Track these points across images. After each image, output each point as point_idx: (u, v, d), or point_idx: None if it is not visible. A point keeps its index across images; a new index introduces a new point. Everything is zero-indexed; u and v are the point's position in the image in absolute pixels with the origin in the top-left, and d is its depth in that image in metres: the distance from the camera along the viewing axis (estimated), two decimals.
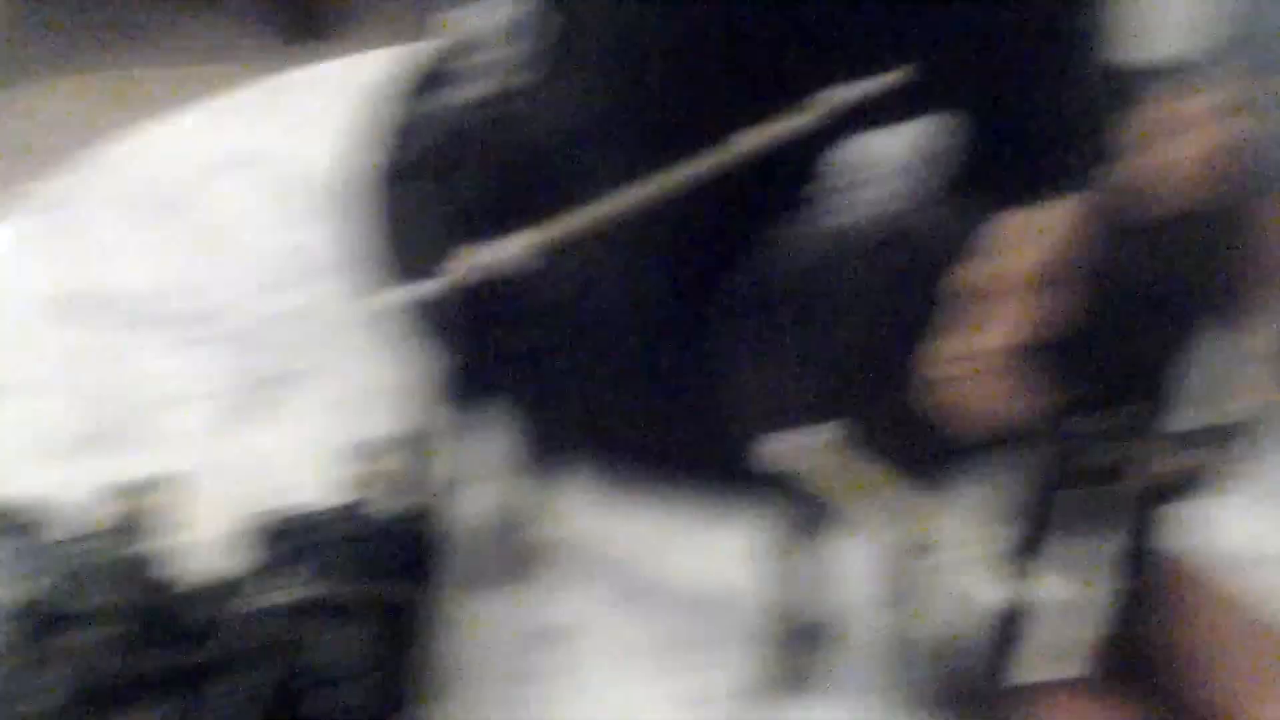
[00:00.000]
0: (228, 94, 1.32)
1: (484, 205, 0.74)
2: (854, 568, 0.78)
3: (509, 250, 0.72)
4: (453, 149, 0.74)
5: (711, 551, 0.86)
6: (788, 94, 0.70)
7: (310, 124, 1.24)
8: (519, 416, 0.82)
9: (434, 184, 0.75)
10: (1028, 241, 0.58)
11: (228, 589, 0.77)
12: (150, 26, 2.61)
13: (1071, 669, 0.69)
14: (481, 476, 0.86)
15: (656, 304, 0.96)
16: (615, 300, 0.96)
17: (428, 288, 0.73)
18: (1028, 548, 0.64)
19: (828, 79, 0.70)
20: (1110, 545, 0.64)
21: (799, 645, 0.78)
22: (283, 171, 1.20)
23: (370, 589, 0.76)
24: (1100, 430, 0.59)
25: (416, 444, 0.83)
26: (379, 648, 0.75)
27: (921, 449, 0.68)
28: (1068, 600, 0.58)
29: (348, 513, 0.80)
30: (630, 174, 0.73)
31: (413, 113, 0.74)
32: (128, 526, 0.79)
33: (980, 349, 0.59)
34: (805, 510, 0.72)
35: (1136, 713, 0.67)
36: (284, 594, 0.76)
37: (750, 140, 0.70)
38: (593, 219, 0.72)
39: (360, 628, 0.75)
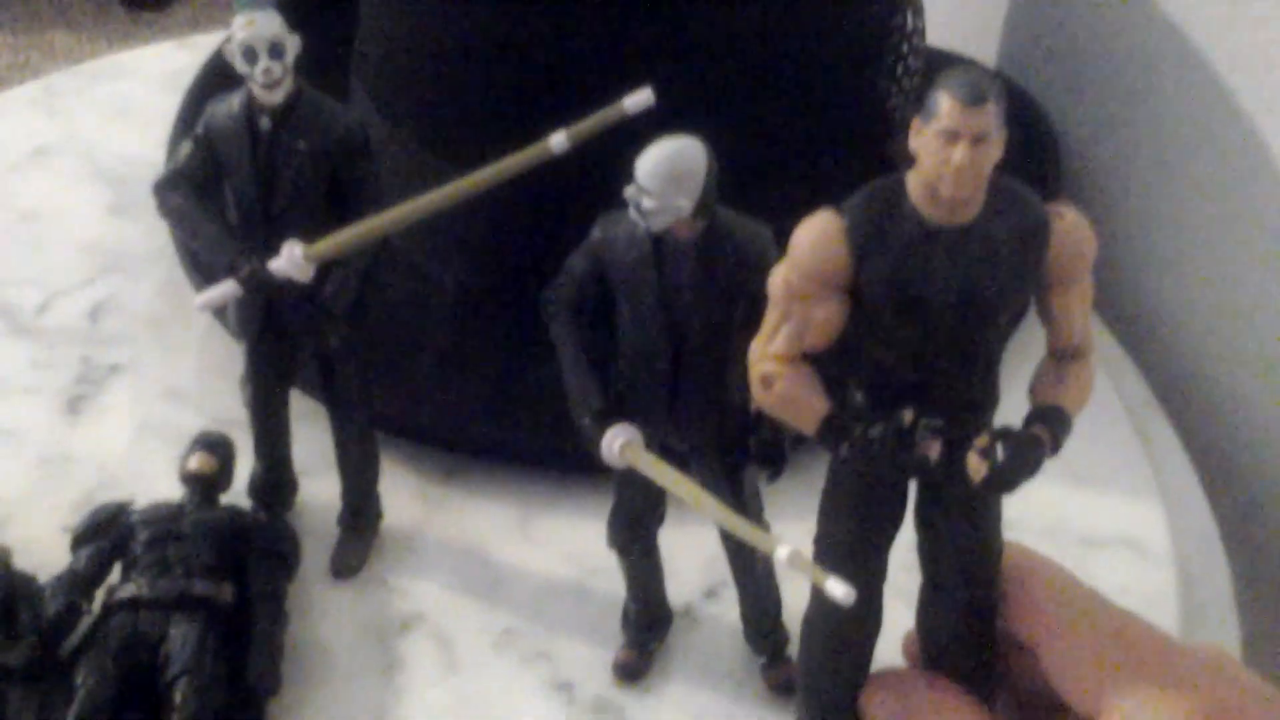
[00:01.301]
0: (69, 66, 1.30)
1: (280, 206, 0.74)
2: (701, 551, 0.80)
3: (307, 253, 0.72)
4: (242, 153, 0.74)
5: (558, 540, 0.87)
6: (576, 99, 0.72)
7: (122, 113, 1.23)
8: (339, 412, 0.83)
9: (228, 186, 0.75)
10: (799, 249, 0.59)
11: (69, 585, 0.77)
12: None
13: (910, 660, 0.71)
14: (320, 468, 0.86)
15: (484, 294, 0.98)
16: (445, 293, 0.98)
17: (231, 287, 0.73)
18: (847, 543, 0.65)
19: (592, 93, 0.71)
20: (936, 535, 0.65)
21: (650, 632, 0.80)
22: (94, 161, 1.18)
23: (212, 584, 0.77)
24: (908, 430, 0.60)
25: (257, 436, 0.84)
26: (224, 642, 0.75)
27: (737, 444, 0.70)
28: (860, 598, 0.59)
29: (185, 507, 0.80)
30: (429, 174, 0.73)
31: (205, 110, 0.74)
32: None
33: (770, 352, 0.61)
34: (639, 499, 0.73)
35: (977, 702, 0.68)
36: (128, 589, 0.76)
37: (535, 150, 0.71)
38: (397, 219, 0.72)
39: (205, 622, 0.75)
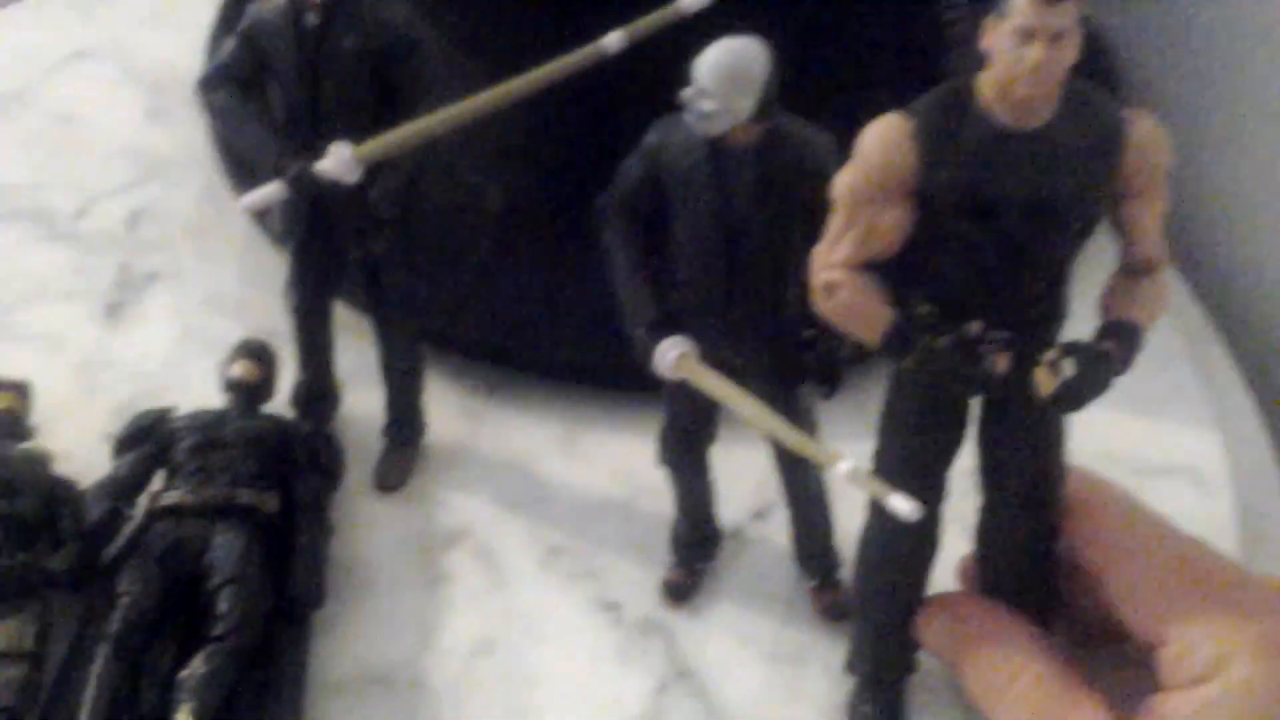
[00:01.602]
0: None
1: (327, 107, 0.72)
2: (751, 472, 0.79)
3: (355, 153, 0.70)
4: (287, 51, 0.72)
5: (604, 456, 0.86)
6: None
7: (159, 16, 1.20)
8: (385, 321, 0.81)
9: (274, 85, 0.73)
10: (866, 151, 0.57)
11: (110, 490, 0.76)
12: None
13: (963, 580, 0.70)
14: (364, 381, 0.85)
15: (530, 205, 0.96)
16: (490, 203, 0.96)
17: (277, 188, 0.72)
18: (907, 460, 0.64)
19: None
20: (998, 456, 0.64)
21: (698, 552, 0.79)
22: (130, 66, 1.16)
23: (256, 493, 0.76)
24: (975, 342, 0.59)
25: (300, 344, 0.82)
26: (268, 552, 0.74)
27: (797, 358, 0.69)
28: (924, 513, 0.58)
29: (228, 415, 0.79)
30: (477, 77, 0.71)
31: (250, 7, 0.72)
32: (1, 427, 0.78)
33: (834, 259, 0.59)
34: (691, 414, 0.72)
35: (1035, 628, 0.66)
36: (171, 496, 0.75)
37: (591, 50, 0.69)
38: (446, 120, 0.70)
39: (249, 531, 0.74)
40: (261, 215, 0.79)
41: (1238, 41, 1.05)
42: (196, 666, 0.69)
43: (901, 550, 0.67)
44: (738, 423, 0.66)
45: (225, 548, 0.73)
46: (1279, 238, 1.03)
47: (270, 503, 0.76)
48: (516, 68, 0.70)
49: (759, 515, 0.82)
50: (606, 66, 0.69)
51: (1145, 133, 0.57)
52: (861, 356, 0.67)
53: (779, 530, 0.78)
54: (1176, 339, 0.96)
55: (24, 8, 1.23)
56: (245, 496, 0.75)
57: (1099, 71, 1.12)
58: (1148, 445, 0.88)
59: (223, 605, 0.71)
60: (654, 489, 0.78)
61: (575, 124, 0.89)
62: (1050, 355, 0.57)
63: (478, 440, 0.87)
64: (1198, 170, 1.10)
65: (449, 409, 0.88)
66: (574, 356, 0.88)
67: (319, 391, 0.84)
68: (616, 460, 0.85)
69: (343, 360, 0.84)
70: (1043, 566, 0.68)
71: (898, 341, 0.59)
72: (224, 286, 0.97)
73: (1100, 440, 0.86)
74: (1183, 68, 1.11)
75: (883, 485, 0.58)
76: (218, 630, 0.70)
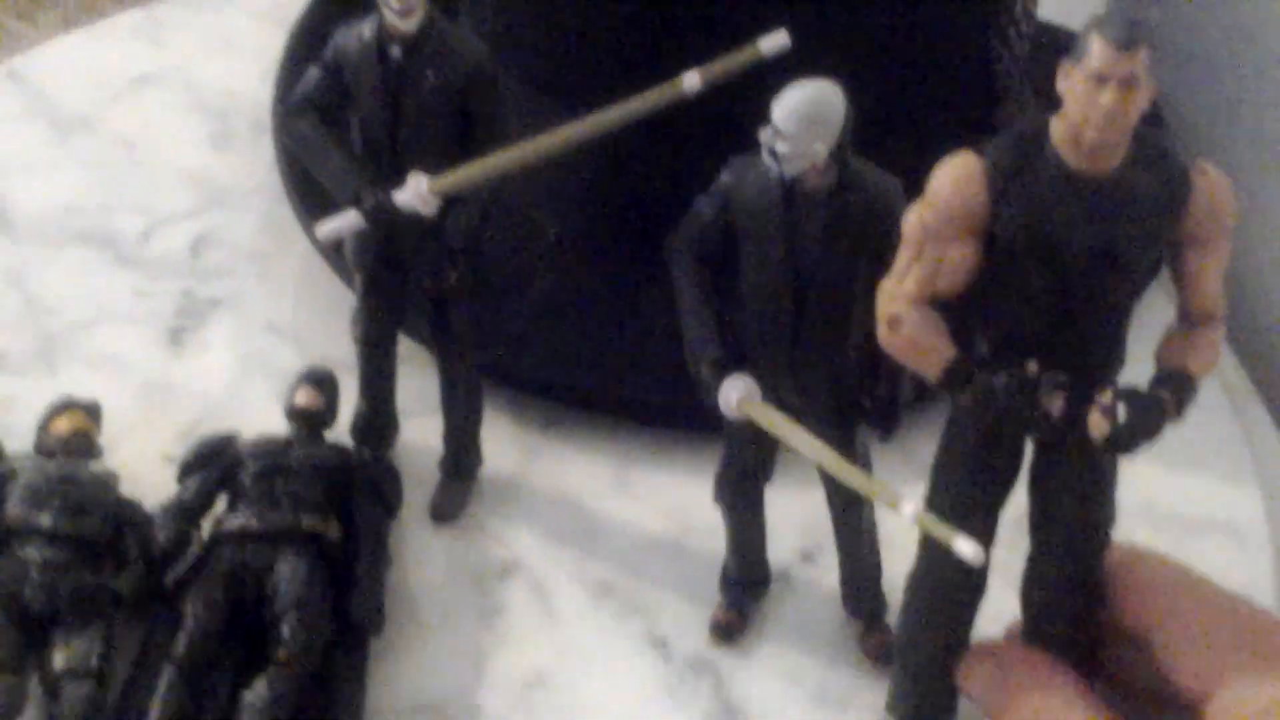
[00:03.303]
0: (135, 8, 1.29)
1: (406, 139, 0.74)
2: (799, 514, 0.80)
3: (432, 185, 0.72)
4: (371, 82, 0.74)
5: (656, 495, 0.87)
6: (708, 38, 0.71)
7: (225, 44, 1.22)
8: (449, 355, 0.83)
9: (354, 116, 0.75)
10: (937, 188, 0.59)
11: (177, 514, 0.78)
12: None
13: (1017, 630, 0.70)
14: (421, 411, 0.87)
15: (589, 242, 0.98)
16: (551, 236, 0.98)
17: (354, 218, 0.74)
18: (959, 501, 0.65)
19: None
20: (1049, 502, 0.64)
21: (748, 592, 0.80)
22: (197, 92, 1.18)
23: (320, 519, 0.77)
24: (1032, 383, 0.60)
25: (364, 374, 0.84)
26: (330, 578, 0.76)
27: (859, 396, 0.70)
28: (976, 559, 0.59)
29: (293, 442, 0.81)
30: (550, 115, 0.73)
31: (334, 37, 0.74)
32: (73, 446, 0.80)
33: (901, 293, 0.60)
34: (750, 454, 0.73)
35: (1077, 679, 0.66)
36: (236, 520, 0.77)
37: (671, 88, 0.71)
38: (523, 156, 0.72)
39: (313, 556, 0.76)
40: (332, 244, 0.81)
41: None
42: (259, 690, 0.70)
43: (950, 594, 0.68)
44: (785, 464, 0.67)
45: (289, 573, 0.74)
46: None
47: (332, 530, 0.77)
48: (589, 106, 0.71)
49: (807, 558, 0.83)
50: (672, 105, 0.71)
51: (1212, 185, 0.58)
52: (920, 397, 0.69)
53: (826, 573, 0.80)
54: (1218, 393, 0.97)
55: (91, 33, 1.26)
56: (309, 523, 0.76)
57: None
58: (1187, 500, 0.89)
59: (286, 630, 0.72)
60: (704, 528, 0.80)
61: (638, 161, 0.90)
62: (1105, 398, 0.58)
63: (532, 475, 0.88)
64: (1240, 232, 1.11)
65: (504, 443, 0.89)
66: (629, 394, 0.89)
67: (379, 422, 0.86)
68: (668, 498, 0.87)
69: (402, 391, 0.86)
70: (1087, 619, 0.68)
71: (957, 378, 0.60)
72: (285, 314, 0.98)
73: (1140, 494, 0.88)
74: (1235, 130, 1.13)
75: (947, 528, 0.59)
76: (281, 654, 0.71)
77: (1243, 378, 1.02)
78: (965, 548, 0.58)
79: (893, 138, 0.77)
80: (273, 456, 0.79)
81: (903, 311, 0.60)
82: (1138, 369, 0.60)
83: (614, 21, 0.91)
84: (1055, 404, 0.59)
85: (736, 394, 0.66)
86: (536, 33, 0.96)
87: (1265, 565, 0.87)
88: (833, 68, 0.64)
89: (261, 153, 1.08)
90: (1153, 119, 1.09)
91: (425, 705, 0.75)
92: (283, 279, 1.01)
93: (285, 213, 1.01)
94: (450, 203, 0.74)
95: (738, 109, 0.64)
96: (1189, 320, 0.61)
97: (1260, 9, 1.08)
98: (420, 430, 0.87)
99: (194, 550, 0.78)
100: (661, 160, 0.88)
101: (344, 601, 0.76)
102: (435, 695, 0.76)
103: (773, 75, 0.64)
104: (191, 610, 0.73)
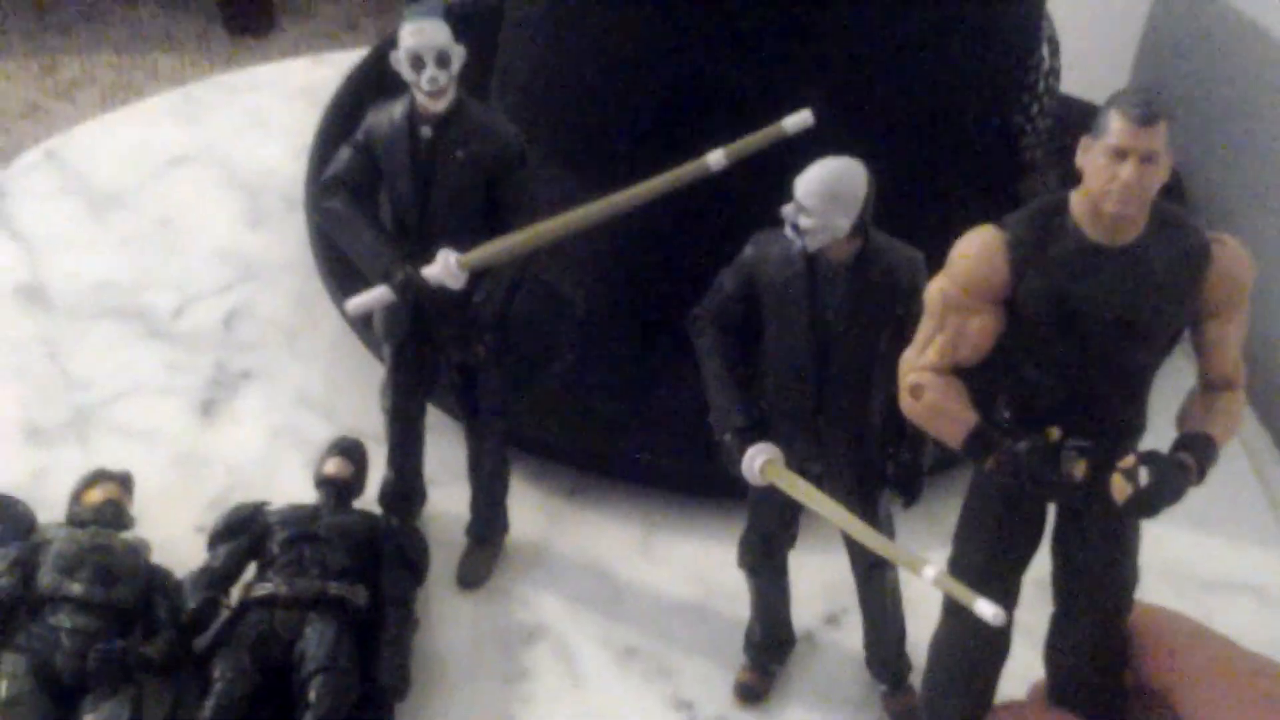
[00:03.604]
0: (171, 88, 1.33)
1: (436, 215, 0.76)
2: (823, 577, 0.81)
3: (461, 260, 0.74)
4: (402, 160, 0.75)
5: (679, 559, 0.88)
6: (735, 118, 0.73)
7: (259, 124, 1.25)
8: (477, 425, 0.84)
9: (385, 193, 0.77)
10: (959, 260, 0.60)
11: (206, 580, 0.79)
12: (89, 11, 2.59)
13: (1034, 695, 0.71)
14: (448, 480, 0.88)
15: (614, 312, 1.00)
16: (580, 310, 1.00)
17: (384, 293, 0.75)
18: (983, 565, 0.65)
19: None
20: (1073, 564, 0.65)
21: (772, 654, 0.81)
22: (231, 170, 1.21)
23: (347, 586, 0.78)
24: (1055, 449, 0.61)
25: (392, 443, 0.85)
26: (357, 644, 0.77)
27: (883, 462, 0.71)
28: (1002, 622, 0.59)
29: (321, 511, 0.82)
30: (580, 189, 0.75)
31: (366, 117, 0.76)
32: (105, 516, 0.81)
33: (923, 363, 0.61)
34: (774, 519, 0.74)
35: None
36: (265, 587, 0.77)
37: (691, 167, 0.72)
38: (550, 231, 0.74)
39: (341, 622, 0.77)
40: (363, 318, 0.83)
41: None
42: None
43: (973, 655, 0.68)
44: (809, 528, 0.68)
45: (316, 638, 0.75)
46: None
47: (360, 596, 0.78)
48: (614, 183, 0.73)
49: (831, 620, 0.84)
50: (683, 187, 0.72)
51: (1231, 255, 0.59)
52: (943, 463, 0.69)
53: (850, 635, 0.80)
54: (1241, 458, 0.98)
55: (129, 113, 1.29)
56: (336, 589, 0.77)
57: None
58: (1212, 562, 0.90)
59: (313, 694, 0.73)
60: (728, 592, 0.81)
61: (663, 235, 0.92)
62: (1127, 463, 0.59)
63: (557, 541, 0.89)
64: (1256, 286, 1.11)
65: (530, 509, 0.90)
66: (653, 460, 0.90)
67: (407, 490, 0.87)
68: (691, 563, 0.87)
69: (430, 459, 0.87)
70: (1112, 680, 0.68)
71: (980, 444, 0.61)
72: (314, 386, 1.00)
73: (1164, 555, 0.88)
74: (1254, 198, 1.14)
75: (967, 590, 0.59)
76: (307, 718, 0.72)
77: (1265, 440, 1.02)
78: (986, 609, 0.58)
79: (917, 211, 0.79)
80: (301, 524, 0.80)
81: (925, 380, 0.61)
82: (1160, 433, 0.61)
83: (640, 100, 0.93)
84: (1078, 469, 0.60)
85: (760, 460, 0.68)
86: (564, 111, 0.98)
87: None
88: (856, 143, 0.66)
89: (294, 229, 1.11)
90: (1173, 191, 1.11)
91: None
92: (313, 352, 1.03)
93: (316, 288, 1.03)
94: (479, 277, 0.76)
95: (762, 185, 0.66)
96: (1210, 386, 0.61)
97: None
98: (447, 498, 0.88)
99: (223, 617, 0.78)
100: (687, 234, 0.90)
101: (371, 666, 0.76)
102: None
103: (798, 151, 0.66)
104: (219, 675, 0.74)
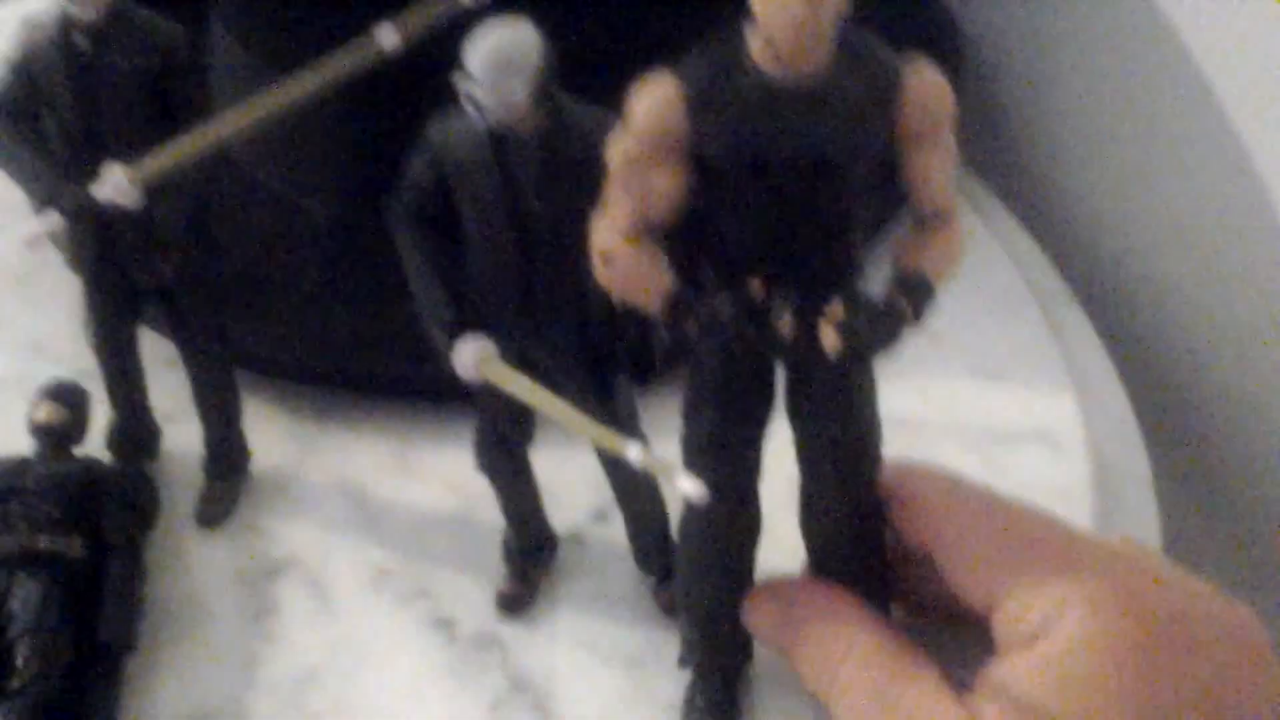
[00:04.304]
0: None
1: (105, 133, 0.70)
2: (592, 471, 0.75)
3: (129, 174, 0.67)
4: (60, 77, 0.69)
5: (440, 471, 0.84)
6: None
7: None
8: (190, 350, 0.78)
9: (49, 115, 0.71)
10: (634, 116, 0.55)
11: None
12: None
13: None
14: (187, 416, 0.81)
15: (350, 220, 0.94)
16: (310, 223, 0.94)
17: (54, 219, 0.69)
18: (711, 438, 0.62)
19: None
20: (807, 428, 0.62)
21: (531, 559, 0.76)
22: None
23: (59, 538, 0.72)
24: (759, 304, 0.57)
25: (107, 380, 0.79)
26: (75, 598, 0.71)
27: (607, 349, 0.67)
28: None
29: (32, 461, 0.76)
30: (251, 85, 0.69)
31: (21, 35, 0.70)
32: None
33: (611, 228, 0.57)
34: (503, 416, 0.69)
35: (870, 609, 0.64)
36: None
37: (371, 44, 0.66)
38: (218, 132, 0.67)
39: (49, 578, 0.71)
40: (45, 247, 0.76)
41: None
42: None
43: (717, 532, 0.65)
44: None
45: (23, 597, 0.69)
46: (1134, 196, 1.02)
47: (75, 546, 0.72)
48: (294, 63, 0.67)
49: (600, 517, 0.80)
50: (407, 79, 0.66)
51: (923, 82, 0.55)
52: (680, 347, 0.65)
53: (621, 531, 0.76)
54: (1029, 302, 0.94)
55: None
56: (45, 542, 0.71)
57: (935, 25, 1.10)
58: (1001, 411, 0.86)
59: (19, 658, 0.67)
60: (491, 502, 0.75)
61: (388, 139, 0.86)
62: (833, 311, 0.55)
63: (306, 466, 0.84)
64: (1046, 134, 1.09)
65: (277, 435, 0.85)
66: (405, 373, 0.85)
67: (136, 430, 0.81)
68: (451, 475, 0.82)
69: (163, 395, 0.82)
70: (868, 544, 0.65)
71: (679, 309, 0.57)
72: (49, 333, 0.93)
73: (951, 409, 0.85)
74: (1028, 22, 1.11)
75: (668, 466, 0.55)
76: (15, 684, 0.67)
77: (1057, 283, 0.99)
78: (687, 485, 0.54)
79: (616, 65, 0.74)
80: (7, 479, 0.74)
81: (614, 246, 0.57)
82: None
83: None
84: (784, 322, 0.56)
85: (471, 356, 0.63)
86: (272, 14, 0.91)
87: (1082, 471, 0.84)
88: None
89: None
90: (951, 60, 1.08)
91: (190, 716, 0.71)
92: (46, 296, 0.96)
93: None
94: (160, 193, 0.69)
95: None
96: (920, 221, 0.58)
97: None
98: (187, 434, 0.82)
99: None
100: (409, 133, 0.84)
101: (93, 620, 0.70)
102: (202, 707, 0.71)
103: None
104: None
